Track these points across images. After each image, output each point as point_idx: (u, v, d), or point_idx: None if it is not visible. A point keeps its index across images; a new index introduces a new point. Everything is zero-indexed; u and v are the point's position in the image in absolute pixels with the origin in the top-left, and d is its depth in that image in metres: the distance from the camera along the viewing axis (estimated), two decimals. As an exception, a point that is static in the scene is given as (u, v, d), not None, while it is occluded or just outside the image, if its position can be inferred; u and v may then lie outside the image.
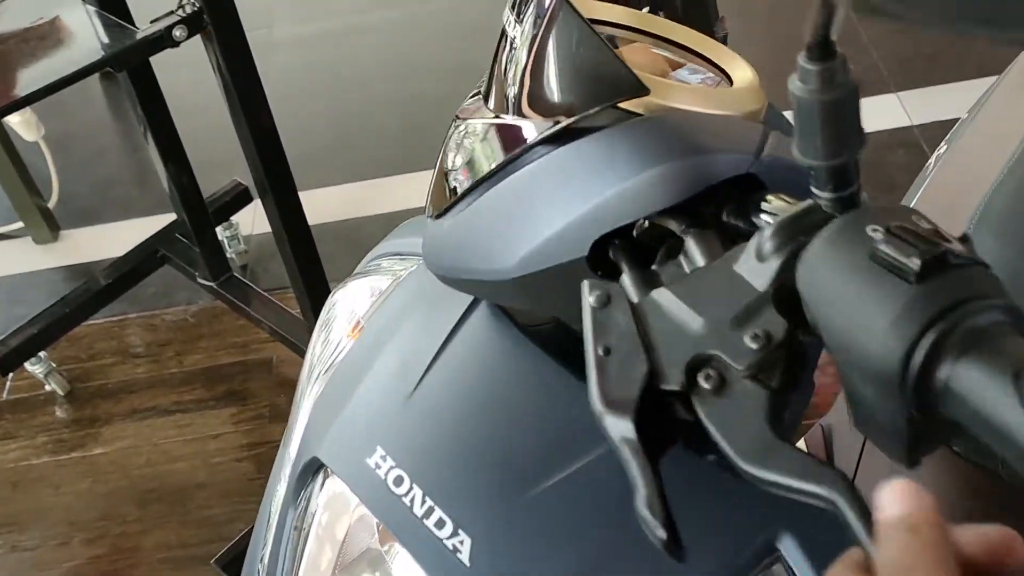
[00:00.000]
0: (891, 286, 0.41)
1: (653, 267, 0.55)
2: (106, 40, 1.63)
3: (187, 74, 2.05)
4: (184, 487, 1.94)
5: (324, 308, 0.82)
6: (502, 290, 0.62)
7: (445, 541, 0.61)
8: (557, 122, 0.59)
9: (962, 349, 0.39)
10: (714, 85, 0.64)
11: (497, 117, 0.63)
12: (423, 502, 0.62)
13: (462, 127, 0.66)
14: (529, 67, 0.60)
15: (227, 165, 2.13)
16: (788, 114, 0.52)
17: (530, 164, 0.59)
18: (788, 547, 0.58)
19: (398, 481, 0.63)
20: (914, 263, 0.40)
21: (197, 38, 1.59)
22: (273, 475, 0.78)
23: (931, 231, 0.42)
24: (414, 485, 0.63)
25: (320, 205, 2.32)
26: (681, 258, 0.54)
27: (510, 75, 0.62)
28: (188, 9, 1.55)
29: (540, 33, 0.60)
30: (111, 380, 2.18)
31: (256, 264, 2.38)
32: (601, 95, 0.57)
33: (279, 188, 1.80)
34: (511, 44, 0.62)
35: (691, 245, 0.53)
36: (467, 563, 0.60)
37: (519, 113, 0.61)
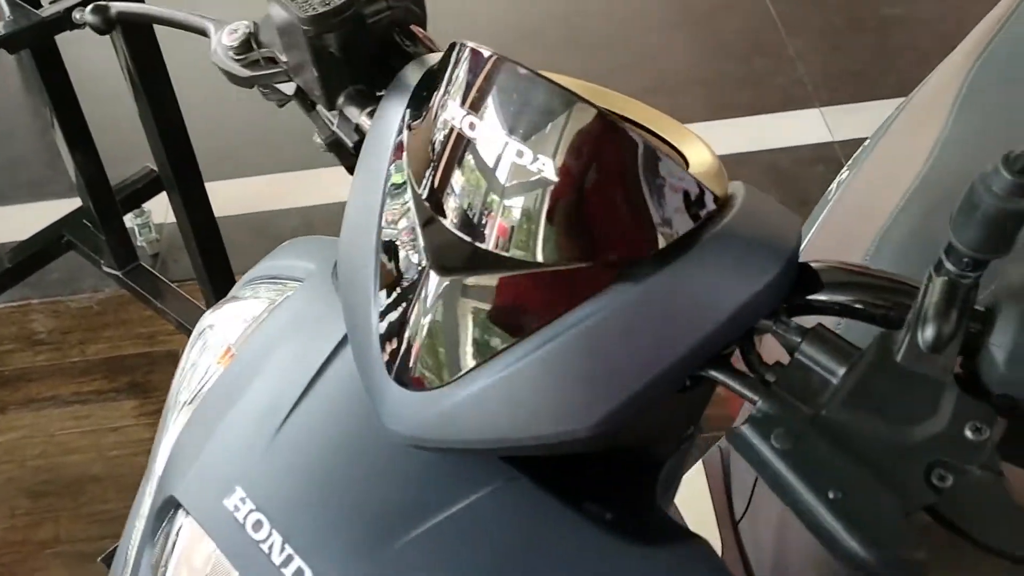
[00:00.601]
0: None
1: (768, 378, 0.52)
2: (8, 17, 1.56)
3: (101, 58, 1.98)
4: (79, 480, 1.88)
5: (195, 330, 0.78)
6: (561, 447, 0.55)
7: None
8: (624, 260, 0.52)
9: None
10: None
11: (530, 263, 0.53)
12: (282, 550, 0.59)
13: (448, 281, 0.55)
14: (585, 203, 0.52)
15: (145, 151, 2.07)
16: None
17: (604, 309, 0.52)
18: None
19: (257, 526, 0.60)
20: None
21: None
22: (133, 509, 0.75)
23: None
24: (274, 531, 0.60)
25: (232, 196, 2.27)
26: (800, 358, 0.52)
27: (537, 213, 0.52)
28: (92, -7, 1.49)
29: (591, 162, 0.51)
30: (9, 367, 2.10)
31: (168, 254, 2.32)
32: (681, 216, 0.52)
33: (185, 178, 1.75)
34: (526, 174, 0.52)
35: (810, 349, 0.51)
36: None
37: (573, 257, 0.52)
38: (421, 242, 0.56)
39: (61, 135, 1.85)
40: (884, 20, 2.71)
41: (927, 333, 0.48)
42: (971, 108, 1.03)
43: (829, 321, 0.54)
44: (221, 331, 0.75)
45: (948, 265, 0.48)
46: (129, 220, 2.21)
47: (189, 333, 1.99)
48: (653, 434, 0.63)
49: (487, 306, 0.54)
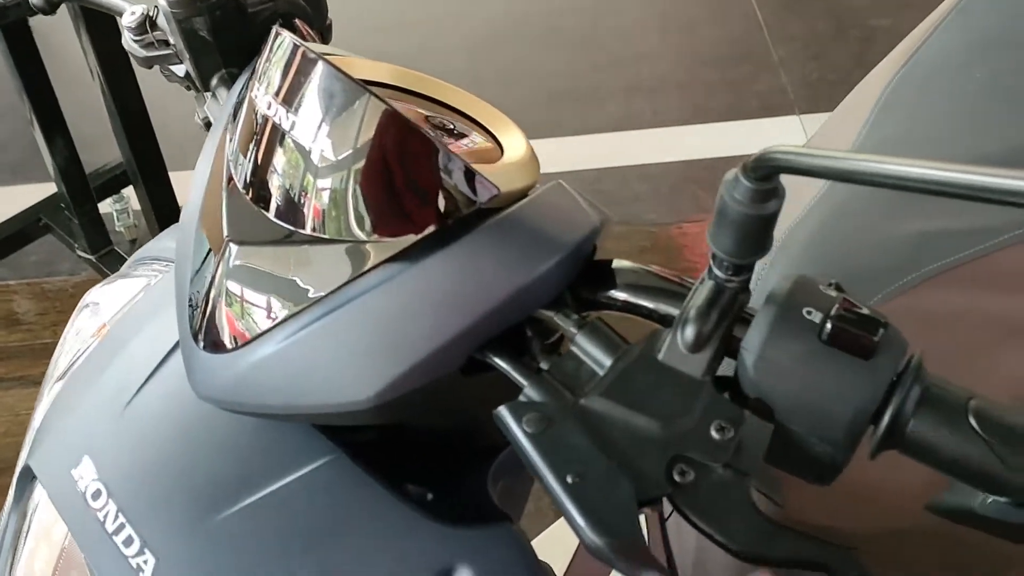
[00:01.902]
0: (849, 365, 0.47)
1: (543, 366, 0.54)
2: (-29, 0, 1.59)
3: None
4: (42, 460, 1.91)
5: (78, 305, 0.80)
6: (349, 417, 0.57)
7: (130, 559, 0.59)
8: (403, 239, 0.54)
9: (917, 404, 0.47)
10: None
11: (317, 238, 0.55)
12: (116, 518, 0.61)
13: (243, 251, 0.58)
14: (357, 181, 0.54)
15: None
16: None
17: (382, 284, 0.54)
18: None
19: (96, 495, 0.62)
20: (866, 340, 0.47)
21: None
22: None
23: (849, 304, 0.48)
24: (110, 500, 0.62)
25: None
26: (575, 350, 0.54)
27: (323, 189, 0.54)
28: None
29: (365, 143, 0.53)
30: (-19, 347, 2.14)
31: (146, 239, 2.33)
32: (455, 204, 0.54)
33: (148, 171, 1.78)
34: (313, 154, 0.54)
35: (584, 341, 0.53)
36: None
37: (349, 231, 0.55)
38: (224, 215, 0.59)
39: (35, 119, 1.88)
40: (871, 30, 2.71)
41: (687, 333, 0.50)
42: (886, 117, 1.04)
43: None
44: (101, 308, 0.77)
45: (714, 270, 0.50)
46: (108, 205, 2.23)
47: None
48: (466, 416, 0.65)
49: (275, 275, 0.57)
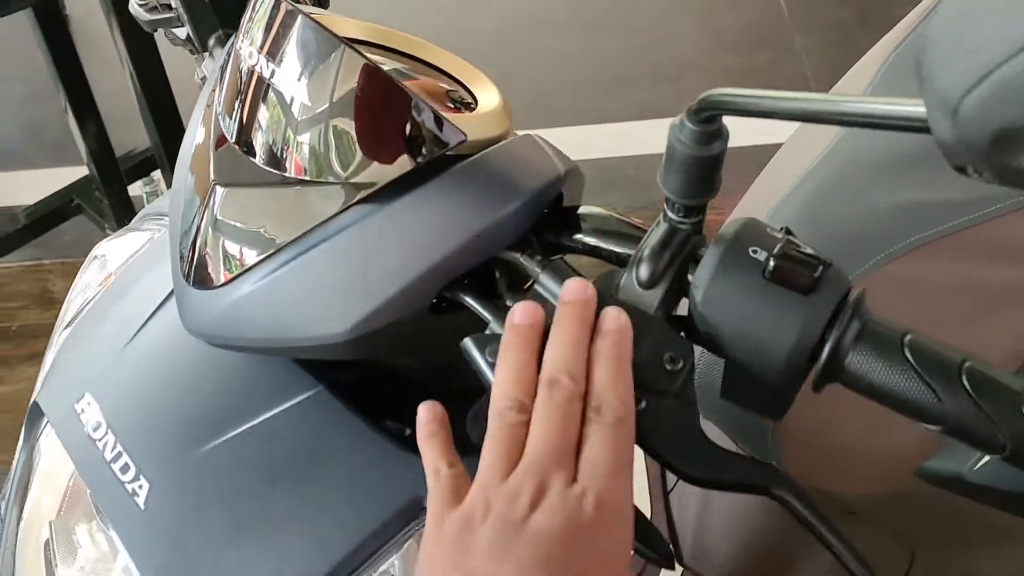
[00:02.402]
0: (789, 300, 0.50)
1: (507, 303, 0.58)
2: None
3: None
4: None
5: (88, 257, 0.84)
6: (326, 351, 0.61)
7: (126, 485, 0.64)
8: (373, 181, 0.58)
9: (856, 339, 0.50)
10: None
11: (295, 180, 0.59)
12: (114, 447, 0.65)
13: (228, 193, 0.62)
14: (333, 127, 0.58)
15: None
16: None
17: (355, 224, 0.58)
18: None
19: (96, 427, 0.66)
20: (806, 277, 0.50)
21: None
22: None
23: (793, 245, 0.52)
24: (109, 431, 0.66)
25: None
26: (538, 289, 0.57)
27: (301, 134, 0.59)
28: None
29: (340, 92, 0.57)
30: (16, 323, 2.20)
31: (175, 220, 2.39)
32: (423, 148, 0.57)
33: (175, 153, 1.81)
34: (291, 100, 0.59)
35: (546, 280, 0.57)
36: (142, 506, 0.63)
37: (325, 174, 0.59)
38: (211, 160, 0.63)
39: (68, 105, 1.94)
40: (892, 18, 2.70)
41: (641, 271, 0.54)
42: (880, 94, 1.06)
43: None
44: (108, 260, 0.81)
45: (668, 212, 0.53)
46: (138, 188, 2.29)
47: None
48: (441, 356, 0.68)
49: (256, 216, 0.61)
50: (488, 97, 0.63)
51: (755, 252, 0.52)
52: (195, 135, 0.67)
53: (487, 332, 0.56)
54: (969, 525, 1.02)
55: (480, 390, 0.72)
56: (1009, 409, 0.48)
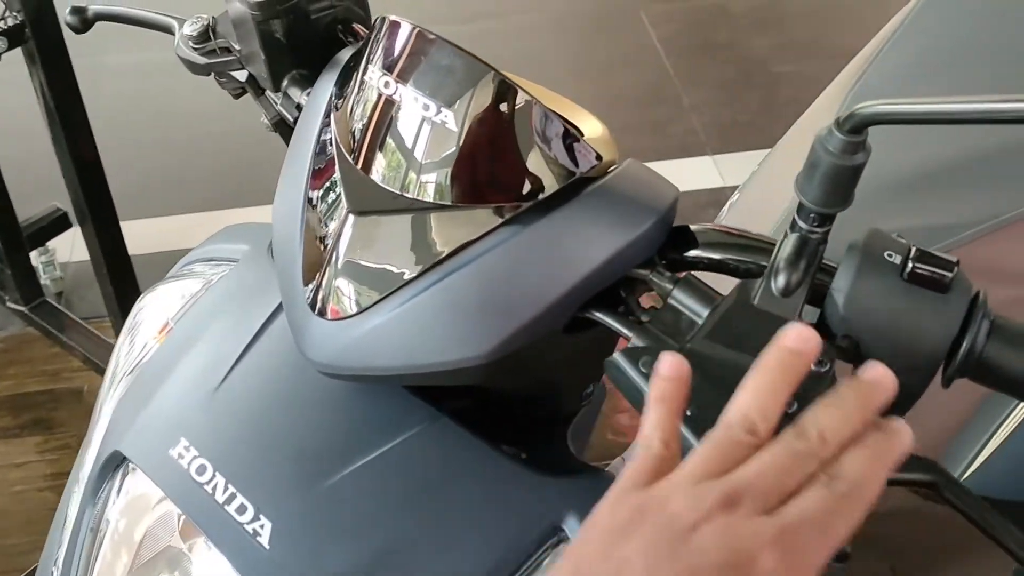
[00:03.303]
0: (929, 299, 0.53)
1: (644, 319, 0.59)
2: None
3: (16, 94, 2.00)
4: (-17, 516, 1.86)
5: (132, 312, 0.82)
6: (463, 375, 0.61)
7: (246, 526, 0.62)
8: (515, 204, 0.59)
9: (988, 333, 0.53)
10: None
11: (433, 206, 0.60)
12: (225, 489, 0.63)
13: (363, 222, 0.62)
14: (477, 152, 0.59)
15: (53, 190, 2.08)
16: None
17: (497, 247, 0.59)
18: (572, 527, 0.61)
19: (201, 470, 0.64)
20: (945, 277, 0.53)
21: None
22: (71, 479, 0.77)
23: (921, 249, 0.54)
24: (216, 473, 0.64)
25: (146, 235, 2.28)
26: (673, 303, 0.58)
27: (444, 160, 0.59)
28: (10, 21, 1.52)
29: (486, 116, 0.59)
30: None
31: (72, 292, 2.31)
32: (562, 171, 0.59)
33: (99, 215, 1.77)
34: (431, 126, 0.59)
35: (680, 294, 0.58)
36: (267, 546, 0.61)
37: (471, 199, 0.59)
38: (342, 191, 0.63)
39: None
40: (774, 76, 2.87)
41: (779, 280, 0.56)
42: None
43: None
44: (158, 309, 0.79)
45: (799, 222, 0.55)
46: (33, 258, 2.20)
47: (96, 368, 1.99)
48: (552, 379, 0.69)
49: (394, 243, 0.61)
50: (592, 125, 0.66)
51: (890, 256, 0.55)
52: (300, 172, 0.67)
53: (631, 345, 0.57)
54: (946, 536, 1.07)
55: (576, 408, 0.73)
56: None
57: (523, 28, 3.11)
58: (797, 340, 0.48)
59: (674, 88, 2.83)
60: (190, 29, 0.77)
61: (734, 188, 2.49)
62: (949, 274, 0.54)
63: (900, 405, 0.58)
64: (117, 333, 1.91)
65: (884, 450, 0.46)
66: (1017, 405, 0.99)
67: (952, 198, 1.05)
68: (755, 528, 0.42)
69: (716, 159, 2.60)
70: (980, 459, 1.01)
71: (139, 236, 2.12)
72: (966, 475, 1.01)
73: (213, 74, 0.79)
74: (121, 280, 1.88)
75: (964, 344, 0.54)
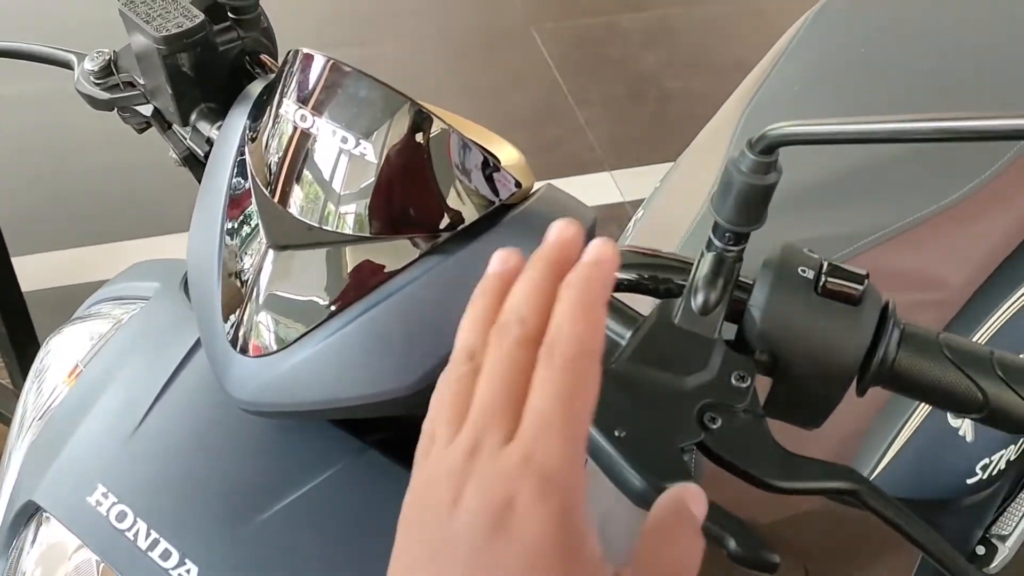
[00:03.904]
0: (842, 312, 0.55)
1: None
2: None
3: None
4: None
5: (38, 356, 0.79)
6: (389, 407, 0.60)
7: (171, 571, 0.61)
8: (436, 234, 0.59)
9: (899, 342, 0.55)
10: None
11: (355, 238, 0.59)
12: (148, 534, 0.62)
13: (283, 256, 0.62)
14: (398, 182, 0.59)
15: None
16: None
17: (422, 276, 0.59)
18: None
19: (121, 516, 0.63)
20: (857, 290, 0.55)
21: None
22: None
23: (832, 263, 0.55)
24: (138, 519, 0.62)
25: (36, 271, 2.21)
26: None
27: (363, 192, 0.59)
28: None
29: (406, 147, 0.59)
30: None
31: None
32: (485, 198, 0.60)
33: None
34: (350, 158, 0.59)
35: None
36: None
37: (392, 231, 0.59)
38: (261, 225, 0.62)
39: None
40: (665, 92, 2.93)
41: (698, 299, 0.57)
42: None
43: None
44: (65, 351, 0.77)
45: (715, 241, 0.57)
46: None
47: (-1, 416, 1.91)
48: None
49: (315, 278, 0.61)
50: (508, 152, 0.66)
51: (804, 271, 0.57)
52: (215, 207, 0.66)
53: None
54: (857, 535, 1.11)
55: None
56: None
57: (414, 52, 3.12)
58: (551, 233, 0.44)
59: (568, 106, 2.86)
60: (91, 64, 0.76)
61: (633, 203, 2.55)
62: (860, 287, 0.56)
63: (817, 415, 0.60)
64: (12, 374, 1.86)
65: (585, 288, 0.41)
66: (918, 406, 1.03)
67: (846, 209, 1.09)
68: (500, 466, 0.37)
69: (614, 175, 2.64)
70: (886, 460, 1.04)
71: (32, 272, 2.06)
72: (874, 476, 1.04)
73: (116, 109, 0.77)
74: (15, 318, 1.81)
75: (877, 354, 0.56)
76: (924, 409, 1.02)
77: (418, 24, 3.25)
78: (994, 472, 1.08)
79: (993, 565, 1.30)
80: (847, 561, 1.17)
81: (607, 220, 2.47)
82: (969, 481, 1.07)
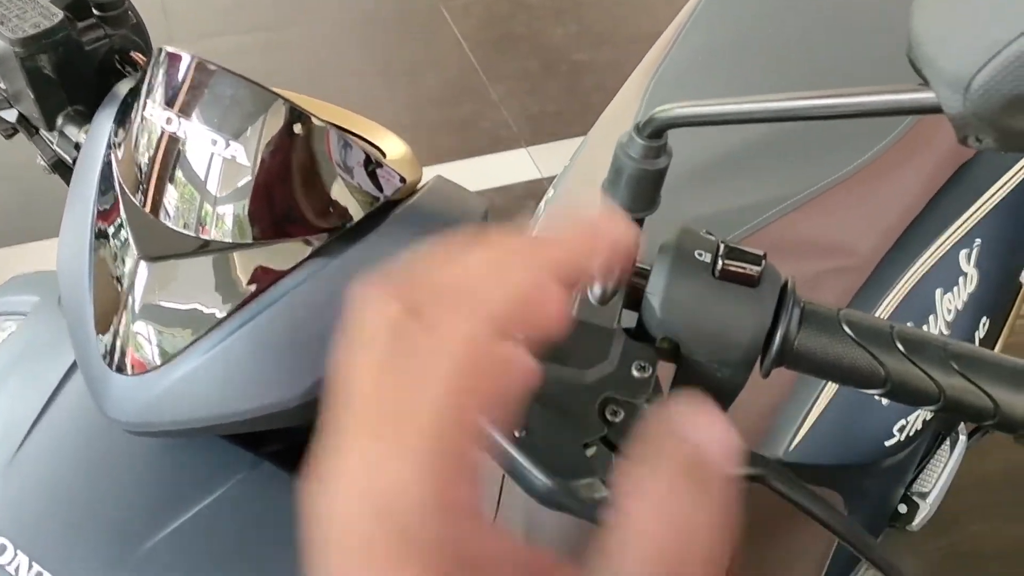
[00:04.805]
0: (741, 294, 0.53)
1: None
2: None
3: None
4: None
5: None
6: (279, 419, 0.57)
7: None
8: (321, 235, 0.56)
9: (800, 322, 0.54)
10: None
11: (232, 244, 0.56)
12: (29, 568, 0.59)
13: (158, 266, 0.58)
14: (273, 184, 0.56)
15: None
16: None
17: (305, 282, 0.56)
18: None
19: (1, 550, 0.59)
20: (752, 272, 0.53)
21: None
22: None
23: (728, 244, 0.54)
24: (18, 552, 0.59)
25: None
26: None
27: (237, 195, 0.56)
28: None
29: (277, 146, 0.55)
30: None
31: None
32: (370, 195, 0.57)
33: None
34: (222, 161, 0.56)
35: None
36: None
37: (273, 234, 0.56)
38: (130, 235, 0.59)
39: None
40: (574, 64, 2.91)
41: (595, 289, 0.56)
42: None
43: None
44: (-59, 374, 0.73)
45: None
46: None
47: None
48: None
49: (194, 288, 0.57)
50: (392, 144, 0.64)
51: (700, 255, 0.55)
52: (83, 216, 0.62)
53: None
54: (772, 512, 1.11)
55: None
56: (938, 359, 0.55)
57: (325, 35, 3.06)
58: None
59: (481, 82, 2.83)
60: None
61: (551, 179, 2.53)
62: (758, 268, 0.54)
63: (723, 399, 0.59)
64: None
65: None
66: (827, 382, 1.03)
67: (749, 181, 1.09)
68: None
69: (530, 151, 2.62)
70: (801, 433, 1.04)
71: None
72: (791, 448, 1.04)
73: None
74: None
75: (777, 335, 0.55)
76: (833, 386, 1.02)
77: (328, 6, 3.19)
78: (911, 433, 1.09)
79: (915, 522, 1.32)
80: (767, 536, 1.17)
81: (526, 197, 2.45)
82: (887, 443, 1.07)
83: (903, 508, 1.33)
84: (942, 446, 1.36)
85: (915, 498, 1.33)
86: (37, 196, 2.36)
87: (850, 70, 1.13)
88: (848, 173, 1.06)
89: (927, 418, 1.11)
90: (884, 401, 1.05)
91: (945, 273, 1.08)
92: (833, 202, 1.04)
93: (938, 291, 1.08)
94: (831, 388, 1.02)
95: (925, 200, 1.10)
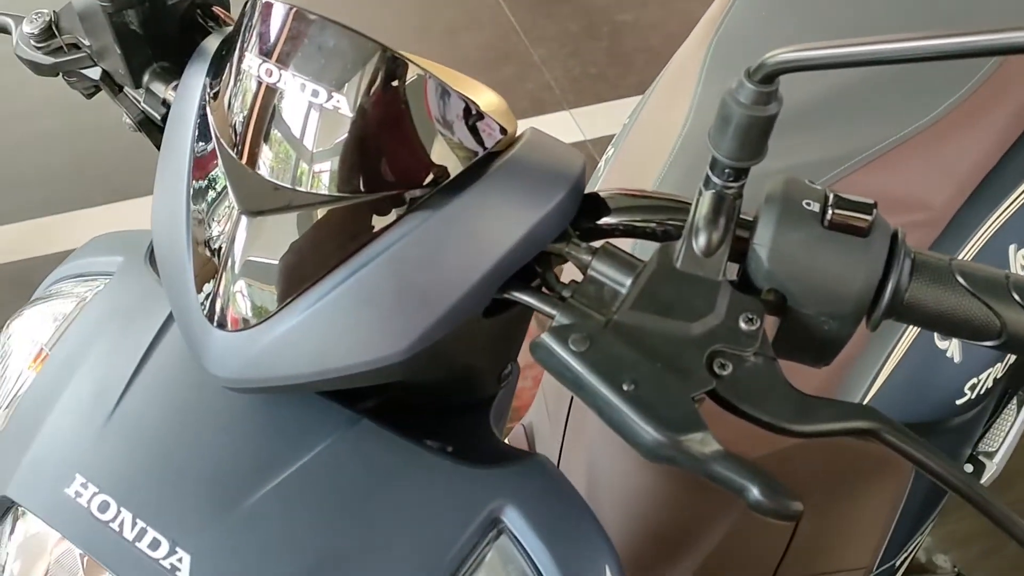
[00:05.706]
0: (852, 244, 0.53)
1: (565, 295, 0.56)
2: None
3: None
4: None
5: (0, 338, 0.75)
6: (381, 374, 0.57)
7: (162, 561, 0.58)
8: (422, 189, 0.55)
9: (911, 272, 0.53)
10: None
11: (334, 198, 0.55)
12: (134, 524, 0.59)
13: (257, 221, 0.57)
14: (377, 136, 0.55)
15: None
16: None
17: (408, 235, 0.55)
18: (512, 517, 0.59)
19: (103, 507, 0.59)
20: (863, 221, 0.53)
21: None
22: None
23: (839, 196, 0.53)
24: (122, 509, 0.59)
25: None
26: (593, 274, 0.56)
27: (341, 147, 0.54)
28: None
29: (382, 98, 0.54)
30: None
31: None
32: (470, 148, 0.56)
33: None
34: (322, 112, 0.54)
35: (601, 265, 0.56)
36: None
37: (374, 188, 0.55)
38: (230, 190, 0.58)
39: None
40: (616, 25, 2.88)
41: (700, 240, 0.54)
42: (714, 77, 1.14)
43: (626, 244, 0.60)
44: (28, 335, 0.73)
45: (714, 179, 0.53)
46: None
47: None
48: (472, 365, 0.66)
49: (295, 243, 0.56)
50: (488, 98, 0.62)
51: (808, 204, 0.54)
52: (179, 172, 0.62)
53: (556, 323, 0.55)
54: (844, 468, 1.10)
55: (491, 393, 0.70)
56: None
57: (362, -4, 3.04)
58: None
59: (522, 44, 2.81)
60: (30, 27, 0.70)
61: (594, 141, 2.51)
62: (869, 217, 0.53)
63: (827, 353, 0.58)
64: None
65: None
66: (905, 331, 1.01)
67: (823, 134, 1.07)
68: None
69: (573, 113, 2.60)
70: (874, 389, 1.03)
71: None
72: (865, 403, 1.03)
73: (61, 74, 0.72)
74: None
75: (888, 286, 0.53)
76: (911, 333, 1.01)
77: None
78: (982, 391, 1.08)
79: (982, 482, 1.31)
80: (839, 491, 1.16)
81: (569, 160, 2.44)
82: (958, 402, 1.06)
83: (969, 468, 1.32)
84: (1008, 405, 1.35)
85: (982, 458, 1.32)
86: (89, 163, 2.37)
87: (931, 11, 1.11)
88: (920, 128, 1.04)
89: (998, 376, 1.10)
90: (956, 359, 1.03)
91: (1019, 228, 1.06)
92: (906, 157, 1.02)
93: (1012, 246, 1.06)
94: (904, 344, 1.01)
95: (998, 155, 1.08)
